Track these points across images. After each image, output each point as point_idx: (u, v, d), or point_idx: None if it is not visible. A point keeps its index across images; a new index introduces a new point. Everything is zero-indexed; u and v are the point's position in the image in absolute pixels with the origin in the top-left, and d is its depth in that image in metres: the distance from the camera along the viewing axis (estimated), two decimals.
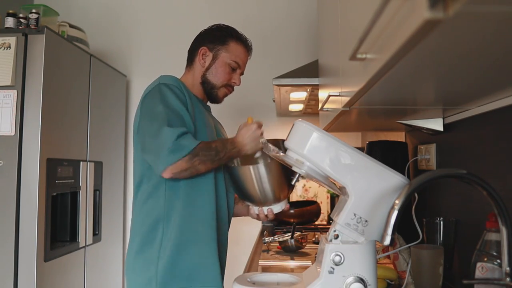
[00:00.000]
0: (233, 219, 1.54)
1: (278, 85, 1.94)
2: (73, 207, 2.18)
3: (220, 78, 1.48)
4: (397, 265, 1.25)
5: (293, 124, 1.00)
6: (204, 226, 1.34)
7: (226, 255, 1.48)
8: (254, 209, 1.43)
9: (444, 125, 1.34)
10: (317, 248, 1.37)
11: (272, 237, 1.92)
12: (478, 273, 0.88)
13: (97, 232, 2.40)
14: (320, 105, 1.50)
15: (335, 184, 1.00)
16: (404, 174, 1.06)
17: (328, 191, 2.69)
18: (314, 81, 1.89)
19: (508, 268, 0.77)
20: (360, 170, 0.93)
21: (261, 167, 1.31)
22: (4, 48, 1.88)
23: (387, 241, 0.74)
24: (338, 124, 1.53)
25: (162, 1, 2.99)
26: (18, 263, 1.82)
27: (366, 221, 0.92)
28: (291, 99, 2.23)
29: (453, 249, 1.27)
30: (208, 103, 1.57)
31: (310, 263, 1.57)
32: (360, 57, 0.76)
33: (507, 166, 0.99)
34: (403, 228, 1.03)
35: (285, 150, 1.03)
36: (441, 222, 1.28)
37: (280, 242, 1.80)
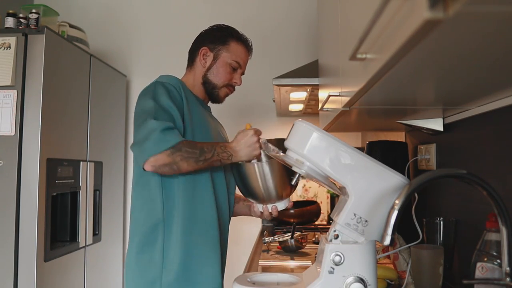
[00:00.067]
0: (233, 218, 1.54)
1: (278, 85, 1.94)
2: (73, 207, 2.18)
3: (221, 78, 1.48)
4: (397, 265, 1.25)
5: (293, 124, 1.00)
6: (206, 227, 1.34)
7: (226, 254, 1.49)
8: (258, 207, 1.43)
9: (444, 125, 1.34)
10: (317, 248, 1.37)
11: (272, 237, 1.92)
12: (478, 273, 0.88)
13: (97, 232, 2.40)
14: (320, 105, 1.50)
15: (335, 184, 1.00)
16: (404, 174, 1.06)
17: (328, 191, 2.69)
18: (314, 81, 1.89)
19: (508, 268, 0.77)
20: (360, 170, 0.93)
21: (265, 164, 1.32)
22: (4, 48, 1.88)
23: (387, 241, 0.74)
24: (338, 124, 1.53)
25: (162, 1, 2.99)
26: (18, 263, 1.82)
27: (366, 221, 0.92)
28: (291, 99, 2.23)
29: (453, 249, 1.27)
30: (209, 104, 1.57)
31: (310, 263, 1.57)
32: (360, 57, 0.76)
33: (507, 166, 0.99)
34: (403, 228, 1.03)
35: (285, 150, 1.03)
36: (441, 222, 1.28)
37: (280, 242, 1.80)
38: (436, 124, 1.34)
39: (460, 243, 1.24)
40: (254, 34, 2.99)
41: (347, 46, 0.99)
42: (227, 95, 1.53)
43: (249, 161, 1.35)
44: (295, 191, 2.77)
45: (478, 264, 0.88)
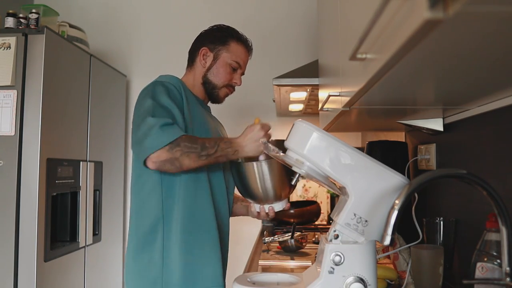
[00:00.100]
0: (232, 219, 1.54)
1: (278, 85, 1.94)
2: (73, 207, 2.18)
3: (221, 78, 1.48)
4: (397, 265, 1.25)
5: (293, 124, 1.00)
6: (205, 227, 1.34)
7: (228, 254, 1.49)
8: (255, 207, 1.43)
9: (444, 125, 1.34)
10: (317, 248, 1.37)
11: (272, 237, 1.92)
12: (478, 273, 0.88)
13: (97, 232, 2.40)
14: (320, 105, 1.50)
15: (335, 184, 1.00)
16: (404, 174, 1.06)
17: (328, 191, 2.69)
18: (314, 81, 1.89)
19: (508, 268, 0.77)
20: (360, 170, 0.93)
21: (264, 164, 1.31)
22: (4, 48, 1.88)
23: (387, 241, 0.74)
24: (338, 124, 1.53)
25: (162, 1, 2.99)
26: (18, 263, 1.82)
27: (366, 221, 0.92)
28: (291, 99, 2.23)
29: (453, 249, 1.27)
30: (209, 104, 1.57)
31: (310, 263, 1.57)
32: (360, 57, 0.76)
33: (507, 166, 0.99)
34: (403, 228, 1.03)
35: (285, 150, 1.03)
36: (441, 222, 1.28)
37: (280, 242, 1.80)
38: (436, 124, 1.34)
39: (460, 243, 1.24)
40: (254, 34, 2.99)
41: (347, 46, 0.99)
42: (227, 95, 1.53)
43: (255, 156, 1.34)
44: (295, 191, 2.78)
45: (478, 264, 0.88)
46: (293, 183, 1.08)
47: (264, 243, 1.94)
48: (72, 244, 2.13)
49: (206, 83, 1.48)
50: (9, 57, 1.87)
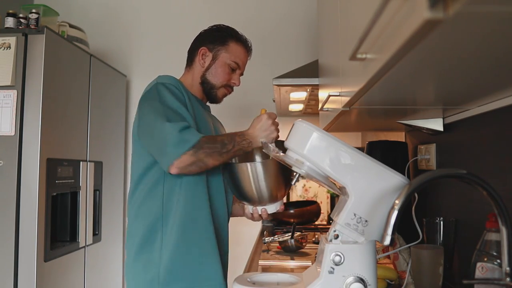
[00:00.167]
0: (233, 219, 1.54)
1: (278, 85, 1.94)
2: (73, 207, 2.18)
3: (219, 79, 1.47)
4: (397, 265, 1.25)
5: (293, 124, 1.00)
6: (202, 226, 1.34)
7: (228, 254, 1.48)
8: (249, 209, 1.42)
9: (444, 125, 1.34)
10: (317, 248, 1.37)
11: (272, 237, 1.92)
12: (478, 273, 0.88)
13: (97, 232, 2.40)
14: (320, 105, 1.50)
15: (335, 184, 1.00)
16: (404, 174, 1.06)
17: (328, 191, 2.69)
18: (314, 81, 1.89)
19: (508, 268, 0.77)
20: (360, 170, 0.93)
21: (259, 165, 1.30)
22: (4, 48, 1.88)
23: (387, 241, 0.74)
24: (338, 124, 1.53)
25: (162, 1, 2.99)
26: (18, 263, 1.82)
27: (366, 221, 0.92)
28: (291, 99, 2.24)
29: (453, 249, 1.27)
30: (208, 103, 1.57)
31: (310, 263, 1.57)
32: (360, 57, 0.76)
33: (507, 166, 0.99)
34: (403, 228, 1.03)
35: (285, 150, 1.03)
36: (441, 222, 1.28)
37: (280, 242, 1.80)
38: (436, 124, 1.34)
39: (460, 243, 1.24)
40: (254, 34, 2.99)
41: (347, 46, 0.99)
42: (225, 95, 1.53)
43: (253, 152, 1.35)
44: (295, 191, 2.78)
45: (478, 264, 0.88)
46: (293, 183, 1.08)
47: (264, 243, 1.94)
48: (72, 244, 2.13)
49: (205, 83, 1.48)
50: (9, 57, 1.87)
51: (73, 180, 2.15)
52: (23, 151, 1.86)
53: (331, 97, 1.27)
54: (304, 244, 1.80)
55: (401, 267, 1.24)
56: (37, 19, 2.04)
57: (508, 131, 0.99)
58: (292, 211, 2.35)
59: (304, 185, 2.73)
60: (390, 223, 0.74)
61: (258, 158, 1.55)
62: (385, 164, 0.94)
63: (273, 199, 1.36)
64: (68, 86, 2.14)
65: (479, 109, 1.10)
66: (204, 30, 1.54)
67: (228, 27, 1.53)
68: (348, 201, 0.92)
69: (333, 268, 0.91)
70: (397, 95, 0.98)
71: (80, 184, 2.22)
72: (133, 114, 1.98)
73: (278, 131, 1.36)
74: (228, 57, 1.47)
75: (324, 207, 2.68)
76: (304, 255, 1.75)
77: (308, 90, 2.01)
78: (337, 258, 0.91)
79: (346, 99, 1.06)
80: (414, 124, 1.37)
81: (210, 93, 1.50)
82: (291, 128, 0.99)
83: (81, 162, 2.23)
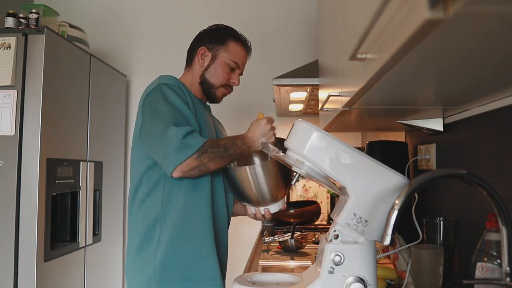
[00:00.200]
0: (232, 219, 1.54)
1: (278, 85, 1.94)
2: (73, 207, 2.18)
3: (219, 78, 1.47)
4: (397, 265, 1.25)
5: (293, 124, 1.00)
6: (200, 225, 1.34)
7: (227, 255, 1.48)
8: (251, 209, 1.43)
9: (444, 125, 1.34)
10: (317, 248, 1.37)
11: (272, 237, 1.92)
12: (478, 273, 0.88)
13: (97, 232, 2.40)
14: (320, 105, 1.50)
15: (335, 184, 1.00)
16: (404, 174, 1.06)
17: (328, 191, 2.69)
18: (314, 81, 1.89)
19: (508, 268, 0.77)
20: (360, 170, 0.93)
21: (258, 168, 1.31)
22: (4, 48, 1.88)
23: (387, 241, 0.74)
24: (338, 124, 1.53)
25: (162, 1, 2.99)
26: (18, 263, 1.82)
27: (366, 221, 0.92)
28: (291, 99, 2.23)
29: (453, 249, 1.27)
30: (208, 103, 1.57)
31: (310, 263, 1.57)
32: (360, 57, 0.76)
33: (507, 166, 0.99)
34: (403, 228, 1.03)
35: (285, 150, 1.03)
36: (441, 222, 1.28)
37: (280, 242, 1.80)
38: (436, 124, 1.34)
39: (460, 243, 1.24)
40: (254, 34, 2.98)
41: (347, 46, 0.99)
42: (224, 95, 1.53)
43: (251, 155, 1.36)
44: (295, 191, 2.78)
45: (478, 264, 0.88)
46: (293, 183, 1.08)
47: (264, 243, 1.94)
48: (72, 244, 2.13)
49: (204, 82, 1.48)
50: (9, 57, 1.87)
51: (73, 180, 2.15)
52: (23, 151, 1.86)
53: (331, 97, 1.27)
54: (304, 244, 1.80)
55: (401, 267, 1.24)
56: (37, 19, 2.04)
57: (508, 131, 0.99)
58: (292, 211, 2.35)
59: (304, 185, 2.73)
60: (390, 223, 0.74)
61: (256, 159, 1.56)
62: (385, 164, 0.94)
63: (274, 199, 1.37)
64: (68, 86, 2.14)
65: (479, 109, 1.10)
66: (203, 30, 1.54)
67: (227, 26, 1.53)
68: (348, 201, 0.92)
69: (333, 268, 0.91)
70: (397, 95, 0.98)
71: (80, 184, 2.22)
72: (133, 114, 1.98)
73: (275, 135, 1.37)
74: (228, 56, 1.47)
75: (324, 207, 2.68)
76: (304, 255, 1.75)
77: (308, 90, 2.01)
78: (337, 258, 0.91)
79: (346, 99, 1.06)
80: (414, 124, 1.37)
81: (210, 93, 1.50)
82: (291, 128, 0.99)
83: (81, 162, 2.23)
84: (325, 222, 2.63)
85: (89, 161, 2.32)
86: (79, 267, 2.21)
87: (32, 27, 2.01)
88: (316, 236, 2.09)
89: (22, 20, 2.02)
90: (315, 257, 1.08)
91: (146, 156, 1.35)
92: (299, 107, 2.48)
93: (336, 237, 0.93)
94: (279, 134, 1.55)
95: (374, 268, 0.93)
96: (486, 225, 0.90)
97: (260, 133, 1.33)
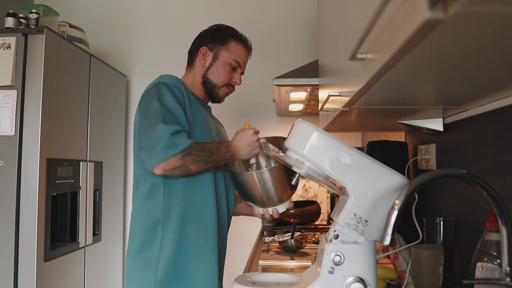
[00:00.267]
0: (233, 218, 1.54)
1: (278, 85, 1.94)
2: (73, 207, 2.18)
3: (221, 78, 1.48)
4: (397, 265, 1.25)
5: (293, 124, 1.00)
6: (205, 227, 1.34)
7: (225, 255, 1.48)
8: (259, 210, 1.44)
9: (444, 125, 1.34)
10: (317, 248, 1.37)
11: (272, 237, 1.92)
12: (478, 273, 0.88)
13: (97, 232, 2.40)
14: (320, 105, 1.50)
15: (335, 184, 1.00)
16: (404, 174, 1.06)
17: (328, 191, 2.69)
18: (314, 81, 1.89)
19: (508, 268, 0.77)
20: (360, 170, 0.93)
21: (265, 172, 1.33)
22: (4, 48, 1.88)
23: (387, 241, 0.74)
24: (338, 124, 1.53)
25: (162, 1, 2.99)
26: (18, 263, 1.82)
27: (366, 221, 0.92)
28: (291, 99, 2.23)
29: (453, 249, 1.27)
30: (209, 103, 1.57)
31: (310, 263, 1.57)
32: (360, 57, 0.76)
33: (507, 166, 0.99)
34: (403, 228, 1.03)
35: (285, 149, 1.03)
36: (441, 222, 1.28)
37: (280, 242, 1.80)
38: (436, 124, 1.34)
39: (460, 243, 1.24)
40: (254, 34, 2.98)
41: (347, 46, 0.99)
42: (227, 94, 1.53)
43: (248, 160, 1.37)
44: (295, 191, 2.78)
45: (478, 264, 0.88)
46: (293, 183, 1.08)
47: (264, 243, 1.94)
48: (72, 244, 2.13)
49: (206, 82, 1.49)
50: (9, 57, 1.87)
51: (73, 180, 2.15)
52: (23, 151, 1.86)
53: (331, 97, 1.27)
54: (304, 244, 1.80)
55: (401, 267, 1.24)
56: (37, 19, 2.04)
57: (508, 131, 0.99)
58: (292, 211, 2.34)
59: (304, 185, 2.73)
60: (390, 223, 0.74)
61: (262, 163, 1.58)
62: (385, 164, 0.94)
63: (281, 200, 1.40)
64: (68, 86, 2.14)
65: (479, 109, 1.10)
66: (204, 30, 1.54)
67: (228, 26, 1.53)
68: (348, 201, 0.92)
69: (333, 268, 0.91)
70: (397, 95, 0.98)
71: (80, 184, 2.22)
72: (133, 114, 1.98)
73: (260, 147, 1.35)
74: (229, 56, 1.48)
75: (324, 207, 2.68)
76: (304, 255, 1.75)
77: (308, 90, 2.01)
78: (337, 258, 0.91)
79: (346, 99, 1.06)
80: (414, 124, 1.37)
81: (212, 93, 1.50)
82: (291, 128, 0.99)
83: (81, 162, 2.23)
84: (325, 222, 2.63)
85: (89, 161, 2.32)
86: (79, 267, 2.21)
87: (32, 27, 2.01)
88: (316, 236, 2.09)
89: (22, 20, 2.02)
90: (315, 257, 1.08)
91: None
92: (299, 107, 2.48)
93: (336, 237, 0.93)
94: (279, 134, 1.55)
95: (374, 268, 0.93)
96: (486, 225, 0.90)
97: (246, 143, 1.33)
